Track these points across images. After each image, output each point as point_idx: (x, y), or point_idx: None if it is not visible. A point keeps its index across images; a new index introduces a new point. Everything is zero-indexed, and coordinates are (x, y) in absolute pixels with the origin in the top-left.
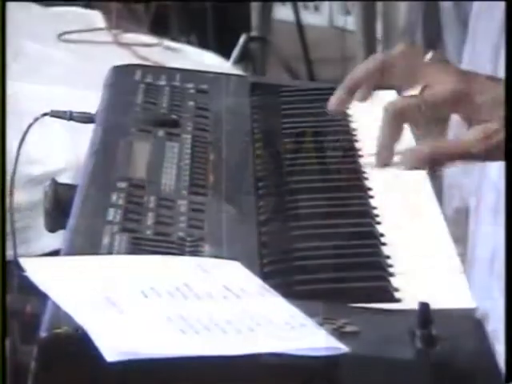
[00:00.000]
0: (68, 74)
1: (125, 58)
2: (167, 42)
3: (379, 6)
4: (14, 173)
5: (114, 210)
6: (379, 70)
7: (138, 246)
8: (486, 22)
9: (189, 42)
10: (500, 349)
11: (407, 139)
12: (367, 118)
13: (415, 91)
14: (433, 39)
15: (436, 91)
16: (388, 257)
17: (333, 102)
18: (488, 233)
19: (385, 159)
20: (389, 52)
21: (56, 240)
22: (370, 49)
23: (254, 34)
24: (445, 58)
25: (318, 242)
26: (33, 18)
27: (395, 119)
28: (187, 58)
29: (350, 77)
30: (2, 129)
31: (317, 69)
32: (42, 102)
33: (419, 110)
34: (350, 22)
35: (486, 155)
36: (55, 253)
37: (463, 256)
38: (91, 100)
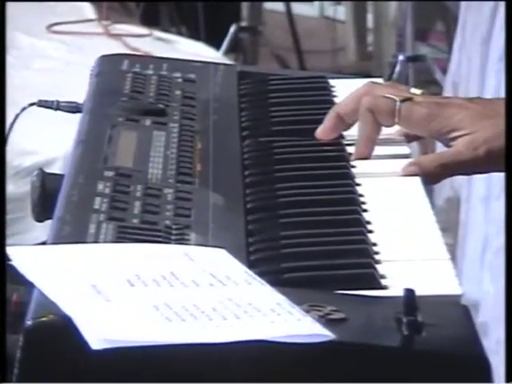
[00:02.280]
0: (59, 66)
1: (115, 48)
2: (158, 33)
3: None
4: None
5: (100, 198)
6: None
7: (124, 235)
8: (475, 14)
9: (179, 33)
10: (487, 343)
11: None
12: None
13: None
14: (423, 31)
15: (413, 108)
16: (374, 244)
17: (321, 131)
18: (479, 223)
19: (360, 154)
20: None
21: (47, 231)
22: (361, 40)
23: (244, 24)
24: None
25: (305, 229)
26: (24, 10)
27: (369, 114)
28: (178, 49)
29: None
30: (2, 126)
31: (307, 59)
32: (32, 93)
33: (392, 117)
34: (341, 12)
35: (476, 165)
36: (44, 244)
37: (453, 246)
38: (81, 90)
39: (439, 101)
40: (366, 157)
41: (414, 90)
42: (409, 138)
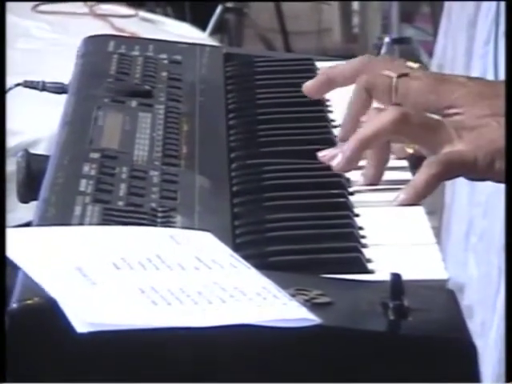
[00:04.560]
0: (43, 46)
1: (101, 29)
2: (143, 14)
3: None
4: None
5: (86, 180)
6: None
7: (109, 217)
8: None
9: (165, 14)
10: (472, 325)
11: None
12: (341, 89)
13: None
14: (409, 13)
15: (410, 83)
16: (361, 228)
17: (308, 88)
18: (463, 206)
19: (345, 132)
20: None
21: (31, 212)
22: (347, 21)
23: (229, 5)
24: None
25: (291, 213)
26: None
27: (365, 94)
28: (163, 30)
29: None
30: (2, 120)
31: (293, 40)
32: (16, 73)
33: (389, 95)
34: None
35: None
36: (29, 224)
37: (438, 229)
38: (66, 71)
39: (437, 76)
40: (350, 134)
41: (410, 64)
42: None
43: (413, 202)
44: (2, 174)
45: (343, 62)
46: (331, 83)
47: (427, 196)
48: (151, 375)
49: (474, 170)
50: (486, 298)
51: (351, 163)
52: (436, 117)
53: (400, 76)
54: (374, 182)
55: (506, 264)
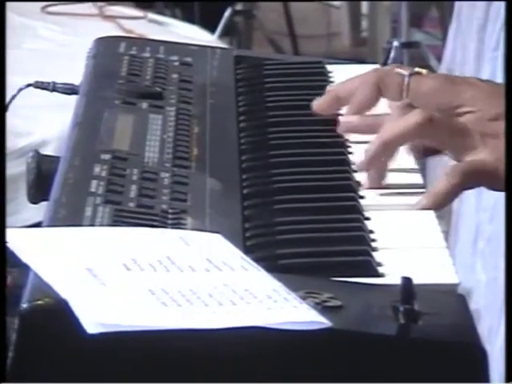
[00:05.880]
0: (53, 47)
1: (110, 30)
2: (152, 15)
3: None
4: None
5: (96, 181)
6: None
7: (120, 218)
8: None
9: (174, 16)
10: (480, 330)
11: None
12: None
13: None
14: (418, 15)
15: (422, 81)
16: (371, 231)
17: (317, 106)
18: (471, 210)
19: (348, 118)
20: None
21: (38, 212)
22: (355, 25)
23: (239, 7)
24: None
25: (301, 216)
26: None
27: (374, 88)
28: (172, 32)
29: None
30: (2, 121)
31: (302, 44)
32: (26, 75)
33: (400, 92)
34: None
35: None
36: (38, 225)
37: (446, 234)
38: (76, 72)
39: (448, 77)
40: (353, 125)
41: (418, 69)
42: (419, 153)
43: (432, 209)
44: (2, 174)
45: (353, 65)
46: (340, 101)
47: (447, 205)
48: (160, 376)
49: (495, 181)
50: (494, 303)
51: (373, 163)
52: (460, 120)
53: (412, 74)
54: (375, 185)
55: (506, 263)
